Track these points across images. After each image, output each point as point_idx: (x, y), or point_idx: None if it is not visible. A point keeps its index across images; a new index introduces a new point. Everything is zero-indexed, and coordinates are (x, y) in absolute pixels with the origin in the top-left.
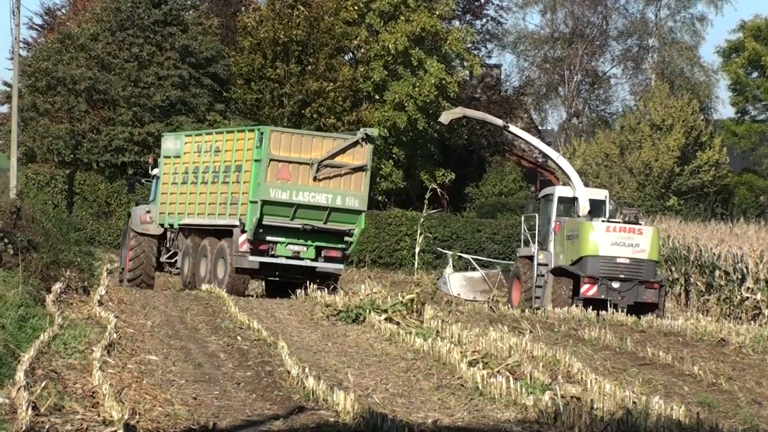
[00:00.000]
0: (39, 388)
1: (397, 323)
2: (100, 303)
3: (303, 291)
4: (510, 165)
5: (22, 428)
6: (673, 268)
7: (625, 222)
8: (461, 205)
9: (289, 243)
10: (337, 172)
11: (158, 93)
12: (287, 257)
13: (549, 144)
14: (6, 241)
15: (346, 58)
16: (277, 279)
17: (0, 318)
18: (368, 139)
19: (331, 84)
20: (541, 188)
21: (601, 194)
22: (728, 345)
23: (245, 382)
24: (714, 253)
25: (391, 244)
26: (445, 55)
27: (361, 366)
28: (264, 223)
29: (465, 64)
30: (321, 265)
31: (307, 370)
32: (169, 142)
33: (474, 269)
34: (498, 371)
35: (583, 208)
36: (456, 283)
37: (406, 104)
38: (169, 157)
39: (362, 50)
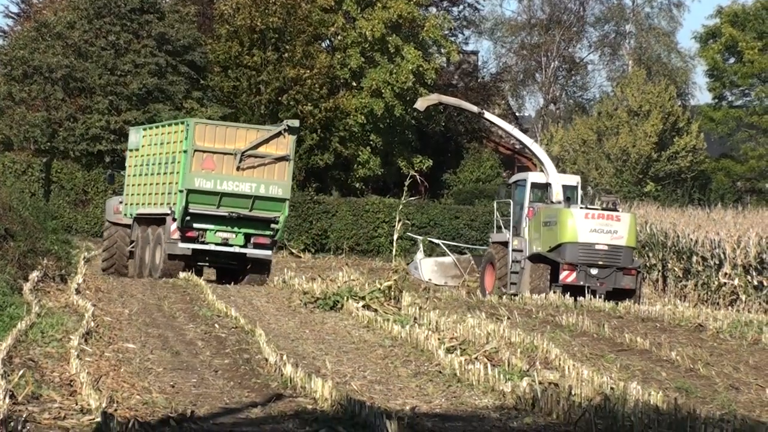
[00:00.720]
0: (16, 377)
1: (375, 310)
2: (78, 291)
3: (281, 279)
4: (487, 152)
5: None
6: (651, 254)
7: (603, 209)
8: (439, 192)
9: (217, 230)
10: (261, 161)
11: (135, 81)
12: (216, 244)
13: (526, 131)
14: None
15: (323, 45)
16: (228, 266)
17: None
18: (290, 130)
19: (308, 71)
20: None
21: (573, 180)
22: (706, 330)
23: (223, 370)
24: (691, 239)
25: (368, 231)
26: (422, 42)
27: (339, 353)
28: (190, 211)
29: (442, 50)
30: (251, 252)
31: (284, 357)
32: (132, 136)
33: (444, 255)
34: (476, 358)
35: (557, 194)
36: (427, 268)
37: (383, 91)
38: (131, 150)
39: (339, 37)
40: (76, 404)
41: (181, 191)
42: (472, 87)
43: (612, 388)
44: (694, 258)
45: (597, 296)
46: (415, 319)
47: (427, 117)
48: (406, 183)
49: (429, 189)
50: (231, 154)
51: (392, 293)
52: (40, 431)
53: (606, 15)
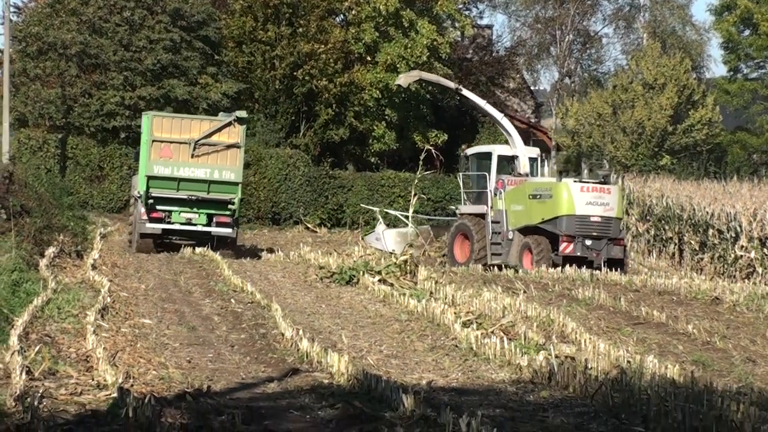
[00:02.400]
0: (33, 353)
1: (391, 285)
2: (94, 267)
3: (297, 254)
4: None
5: (16, 393)
6: (667, 227)
7: (596, 182)
8: (454, 166)
9: (181, 211)
10: (214, 149)
11: (149, 57)
12: (181, 224)
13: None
14: None
15: (337, 19)
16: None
17: None
18: (240, 120)
19: (323, 46)
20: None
21: (534, 153)
22: (722, 303)
23: (239, 345)
24: (707, 212)
25: (384, 205)
26: (436, 16)
27: (355, 328)
28: (153, 194)
29: (456, 24)
30: (214, 230)
31: (300, 332)
32: (142, 120)
33: (397, 226)
34: (492, 332)
35: (524, 165)
36: (391, 239)
37: (398, 65)
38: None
39: (353, 12)
40: (93, 380)
41: (144, 177)
42: (486, 61)
43: (628, 362)
44: (710, 231)
45: (594, 267)
46: (431, 293)
47: (442, 91)
48: (422, 157)
49: (444, 163)
50: (186, 143)
51: (408, 267)
52: (57, 407)
53: None
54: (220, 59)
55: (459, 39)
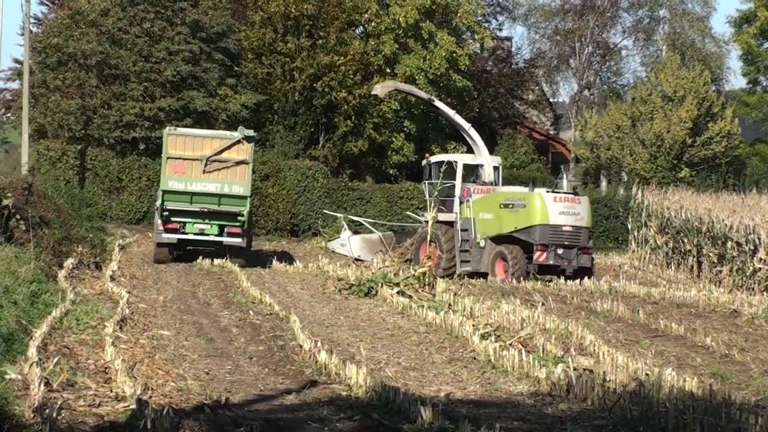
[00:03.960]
0: (51, 364)
1: (410, 297)
2: (112, 278)
3: (315, 266)
4: (521, 137)
5: (34, 404)
6: (686, 240)
7: (566, 192)
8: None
9: (195, 223)
10: (224, 165)
11: (169, 68)
12: (195, 234)
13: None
14: (18, 217)
15: (357, 31)
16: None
17: (12, 294)
18: (248, 138)
19: (342, 58)
20: (554, 160)
21: (496, 161)
22: (741, 316)
23: (257, 357)
24: (726, 224)
25: (403, 217)
26: (455, 28)
27: (374, 340)
28: (169, 207)
29: (476, 36)
30: (226, 240)
31: (319, 344)
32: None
33: (357, 232)
34: (510, 344)
35: (488, 174)
36: (356, 245)
37: (417, 77)
38: (160, 146)
39: (373, 23)
40: (111, 391)
41: (160, 191)
42: (506, 73)
43: (647, 374)
44: (729, 243)
45: (565, 275)
46: (449, 305)
47: (461, 103)
48: (442, 170)
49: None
50: (198, 159)
51: (426, 279)
52: (75, 418)
53: (640, 0)
54: (240, 71)
55: (478, 51)
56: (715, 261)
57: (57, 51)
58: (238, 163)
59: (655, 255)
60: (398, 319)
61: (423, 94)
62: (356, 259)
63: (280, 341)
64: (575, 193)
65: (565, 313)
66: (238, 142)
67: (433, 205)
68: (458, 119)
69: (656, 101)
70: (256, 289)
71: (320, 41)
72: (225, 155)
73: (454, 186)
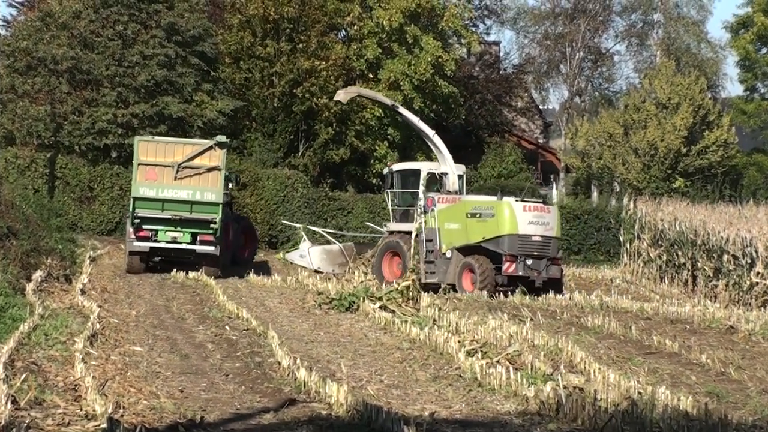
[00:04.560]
0: (19, 381)
1: (393, 311)
2: (83, 292)
3: (294, 279)
4: (509, 146)
5: (1, 423)
6: (680, 253)
7: (535, 201)
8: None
9: (167, 230)
10: (196, 172)
11: (143, 72)
12: (167, 242)
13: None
14: None
15: (339, 35)
16: (181, 260)
17: None
18: (220, 145)
19: (323, 62)
20: (543, 169)
21: (461, 170)
22: (737, 332)
23: (234, 374)
24: (722, 237)
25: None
26: (441, 32)
27: (355, 356)
28: (140, 214)
29: (462, 41)
30: (198, 248)
31: (298, 360)
32: None
33: (318, 243)
34: (497, 361)
35: (453, 183)
36: (316, 256)
37: (401, 83)
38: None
39: (355, 27)
40: (81, 410)
41: (131, 198)
42: (493, 79)
43: (639, 393)
44: (725, 257)
45: (535, 286)
46: (434, 320)
47: (447, 110)
48: (423, 179)
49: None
50: (169, 166)
51: (410, 294)
52: None
53: (633, 4)
54: (217, 76)
55: (465, 56)
56: (711, 275)
57: (26, 55)
58: (210, 169)
59: (648, 268)
60: (381, 335)
61: (387, 100)
62: (316, 271)
63: (258, 358)
64: (544, 203)
65: (554, 329)
66: (210, 148)
67: (415, 215)
68: (422, 126)
69: (650, 109)
70: (233, 303)
71: (301, 45)
72: (197, 161)
73: (416, 195)
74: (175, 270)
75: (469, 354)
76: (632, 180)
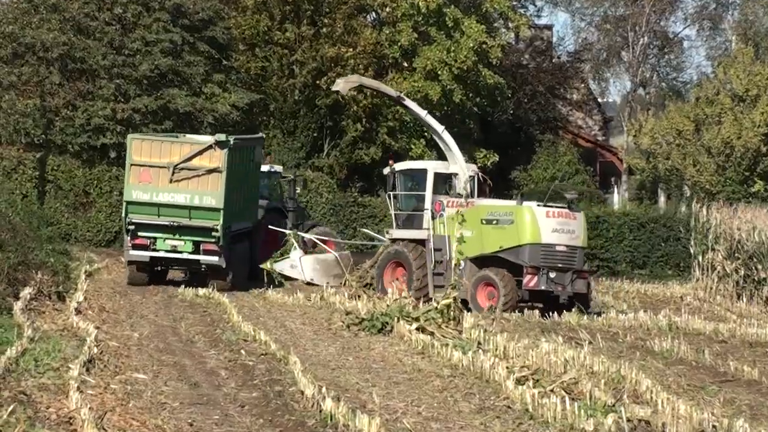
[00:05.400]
0: (6, 413)
1: (431, 334)
2: (78, 311)
3: (319, 296)
4: (564, 144)
5: None
6: (760, 266)
7: (561, 207)
8: (507, 192)
9: (166, 238)
10: (194, 174)
11: (145, 62)
12: (166, 251)
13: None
14: None
15: (368, 18)
16: (184, 271)
17: None
18: (220, 144)
19: (351, 50)
20: (603, 171)
21: (472, 170)
22: None
23: (250, 405)
24: None
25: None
26: (485, 15)
27: (389, 385)
28: (135, 221)
29: (510, 25)
30: (202, 258)
31: (324, 390)
32: None
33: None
34: (551, 390)
35: (463, 185)
36: (308, 266)
37: (439, 72)
38: None
39: (387, 9)
40: None
41: (123, 202)
42: (545, 68)
43: (714, 427)
44: None
45: (560, 302)
46: (478, 344)
47: (493, 104)
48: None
49: (494, 189)
50: (165, 167)
51: (451, 313)
52: None
53: None
54: (229, 65)
55: (513, 42)
56: None
57: (12, 41)
58: (210, 171)
59: (723, 284)
60: (418, 360)
61: (391, 91)
62: (308, 283)
63: (278, 386)
64: (570, 208)
65: (616, 354)
66: (210, 147)
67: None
68: (430, 121)
69: (725, 102)
70: (249, 324)
71: (325, 30)
72: (195, 162)
73: (422, 198)
74: (183, 286)
75: (518, 382)
76: (704, 183)
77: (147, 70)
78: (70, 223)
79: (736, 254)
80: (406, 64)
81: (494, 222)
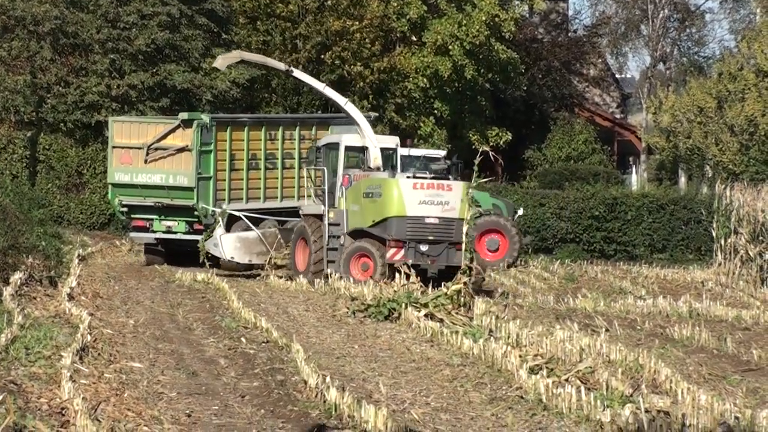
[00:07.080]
0: None
1: (440, 320)
2: (71, 297)
3: (323, 281)
4: (580, 123)
5: None
6: None
7: (433, 177)
8: (520, 173)
9: (161, 219)
10: (167, 153)
11: (141, 36)
12: (162, 232)
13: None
14: None
15: None
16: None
17: None
18: (185, 122)
19: (357, 23)
20: (621, 151)
21: (391, 142)
22: None
23: (251, 395)
24: None
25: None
26: None
27: (396, 374)
28: (125, 202)
29: None
30: (197, 238)
31: (328, 379)
32: None
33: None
34: (566, 379)
35: (375, 159)
36: (229, 244)
37: (450, 47)
38: None
39: None
40: None
41: (109, 186)
42: (561, 43)
43: (736, 418)
44: None
45: (428, 275)
46: (490, 331)
47: (506, 80)
48: (476, 161)
49: (507, 169)
50: (140, 148)
51: (461, 299)
52: None
53: None
54: (229, 39)
55: (527, 15)
56: None
57: (1, 14)
58: (179, 150)
59: (746, 269)
60: (426, 348)
61: (279, 65)
62: (230, 261)
63: (280, 375)
64: (442, 178)
65: (634, 342)
66: (178, 126)
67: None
68: (330, 93)
69: (749, 78)
70: (250, 310)
71: (329, 2)
72: (168, 142)
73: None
74: (180, 272)
75: (532, 371)
76: (727, 163)
77: (143, 45)
78: (62, 204)
79: (761, 237)
80: (415, 39)
81: (370, 195)
